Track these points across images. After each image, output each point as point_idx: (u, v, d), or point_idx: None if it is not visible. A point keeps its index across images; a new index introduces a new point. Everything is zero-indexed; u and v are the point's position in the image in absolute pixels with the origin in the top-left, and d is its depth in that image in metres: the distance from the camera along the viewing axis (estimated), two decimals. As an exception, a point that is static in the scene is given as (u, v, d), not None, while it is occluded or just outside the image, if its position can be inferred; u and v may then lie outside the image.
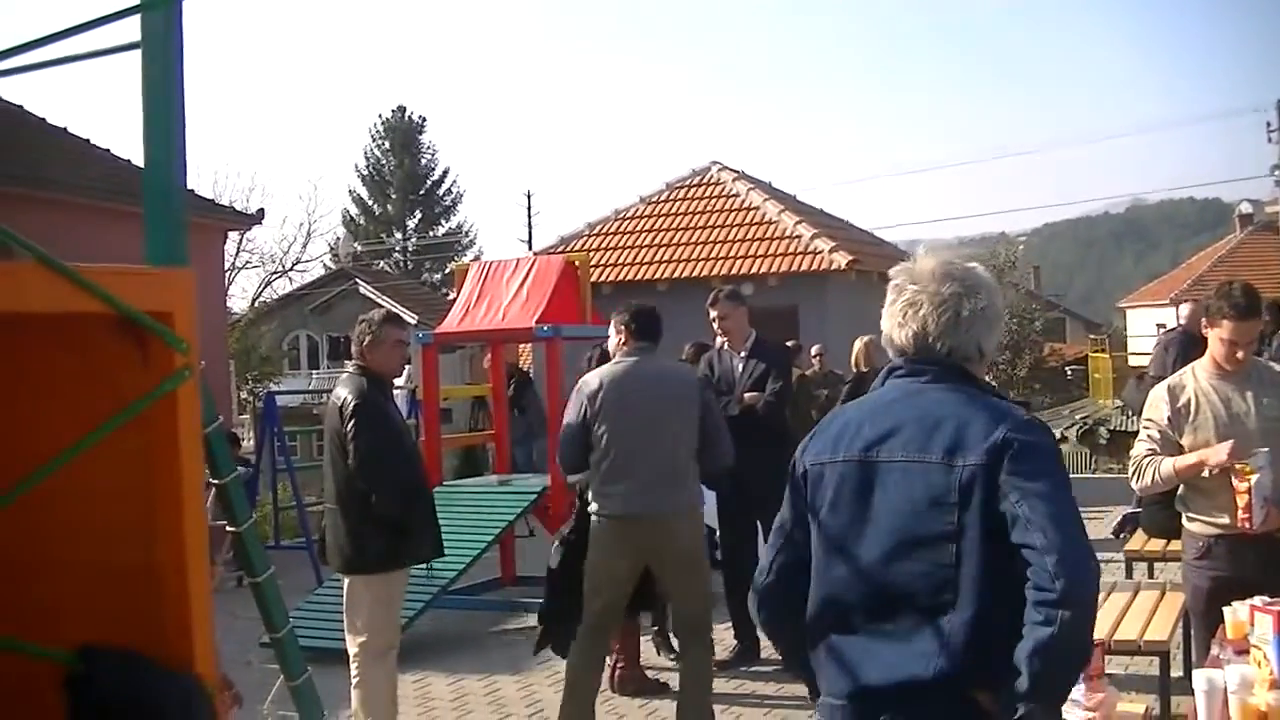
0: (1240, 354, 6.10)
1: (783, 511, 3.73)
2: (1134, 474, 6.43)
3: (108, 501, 2.82)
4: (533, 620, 11.51)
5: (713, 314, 9.61)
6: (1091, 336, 60.74)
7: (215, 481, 3.73)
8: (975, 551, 3.26)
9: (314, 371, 47.25)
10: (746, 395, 9.47)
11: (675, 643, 9.90)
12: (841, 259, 19.68)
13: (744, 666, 9.59)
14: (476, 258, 73.41)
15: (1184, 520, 6.37)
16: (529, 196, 70.43)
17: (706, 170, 23.52)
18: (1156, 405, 6.39)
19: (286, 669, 3.98)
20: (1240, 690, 4.28)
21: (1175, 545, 10.15)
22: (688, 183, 23.36)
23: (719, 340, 9.77)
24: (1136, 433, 6.62)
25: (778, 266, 20.16)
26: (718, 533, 9.90)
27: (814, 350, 16.91)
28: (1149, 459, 6.37)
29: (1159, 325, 56.62)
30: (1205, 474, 6.02)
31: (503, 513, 11.83)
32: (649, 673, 9.36)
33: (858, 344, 14.58)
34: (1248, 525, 5.84)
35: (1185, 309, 15.61)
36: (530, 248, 68.10)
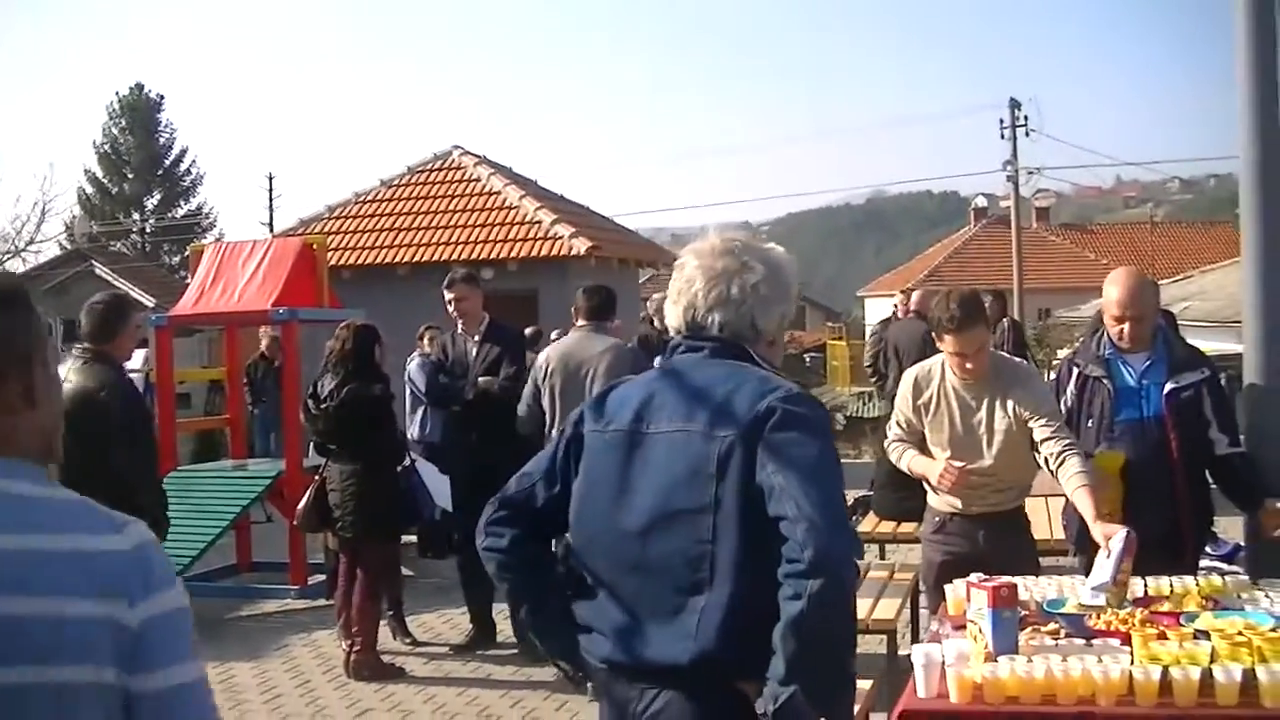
0: (970, 364, 6.08)
1: (536, 464, 3.65)
2: (889, 452, 6.63)
3: None
4: (269, 606, 11.47)
5: (448, 296, 9.61)
6: (829, 325, 62.28)
7: None
8: (733, 526, 3.16)
9: (47, 355, 45.71)
10: (480, 379, 9.48)
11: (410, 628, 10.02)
12: (581, 245, 19.80)
13: (481, 650, 9.62)
14: (217, 240, 72.08)
15: (927, 495, 6.47)
16: (270, 179, 69.47)
17: (448, 154, 23.37)
18: (904, 395, 6.47)
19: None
20: (957, 664, 4.31)
21: (906, 527, 10.52)
22: (429, 166, 23.18)
23: (456, 324, 9.78)
24: (873, 419, 6.82)
25: (518, 251, 20.18)
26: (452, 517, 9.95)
27: (554, 335, 16.96)
28: (895, 445, 6.55)
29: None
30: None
31: (237, 498, 11.68)
32: (384, 658, 9.30)
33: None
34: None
35: (915, 296, 16.15)
36: (271, 230, 67.16)
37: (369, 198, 22.55)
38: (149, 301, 39.56)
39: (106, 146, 67.87)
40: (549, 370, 8.66)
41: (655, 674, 3.27)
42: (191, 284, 12.77)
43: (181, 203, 69.57)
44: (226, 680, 9.19)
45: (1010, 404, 6.08)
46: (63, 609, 2.02)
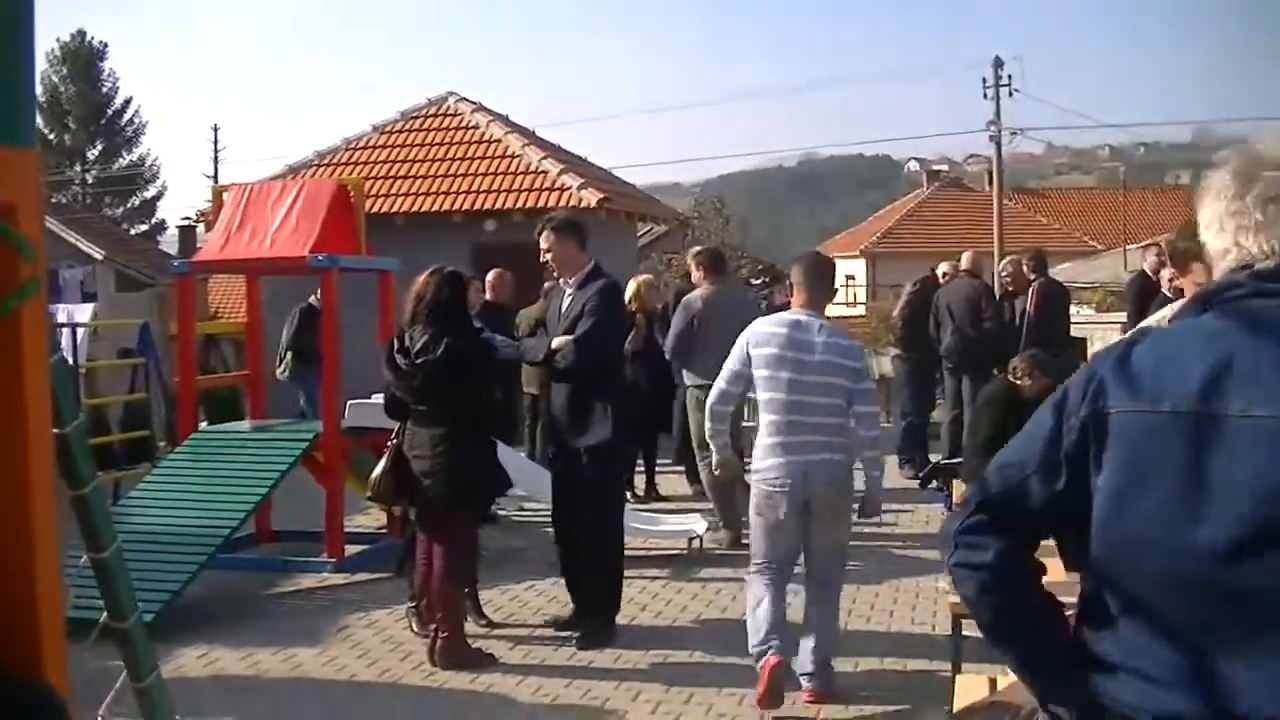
0: None
1: (1020, 452, 2.72)
2: None
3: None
4: (307, 582, 10.48)
5: (542, 246, 8.69)
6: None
7: (56, 431, 2.87)
8: None
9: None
10: (555, 340, 8.55)
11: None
12: (592, 196, 18.85)
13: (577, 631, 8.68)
14: (160, 194, 70.47)
15: None
16: (215, 130, 67.77)
17: (443, 100, 22.30)
18: None
19: (112, 603, 3.27)
20: None
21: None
22: (424, 112, 22.11)
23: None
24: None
25: (523, 202, 19.21)
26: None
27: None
28: None
29: (848, 276, 58.06)
30: None
31: (274, 462, 10.62)
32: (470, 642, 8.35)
33: (632, 285, 13.75)
34: None
35: (965, 256, 15.39)
36: (215, 183, 65.74)
37: (360, 144, 21.49)
38: (97, 254, 38.39)
39: (46, 96, 65.83)
40: (699, 321, 7.94)
41: None
42: (215, 228, 11.67)
43: (124, 153, 67.92)
44: (296, 668, 8.23)
45: None
46: None
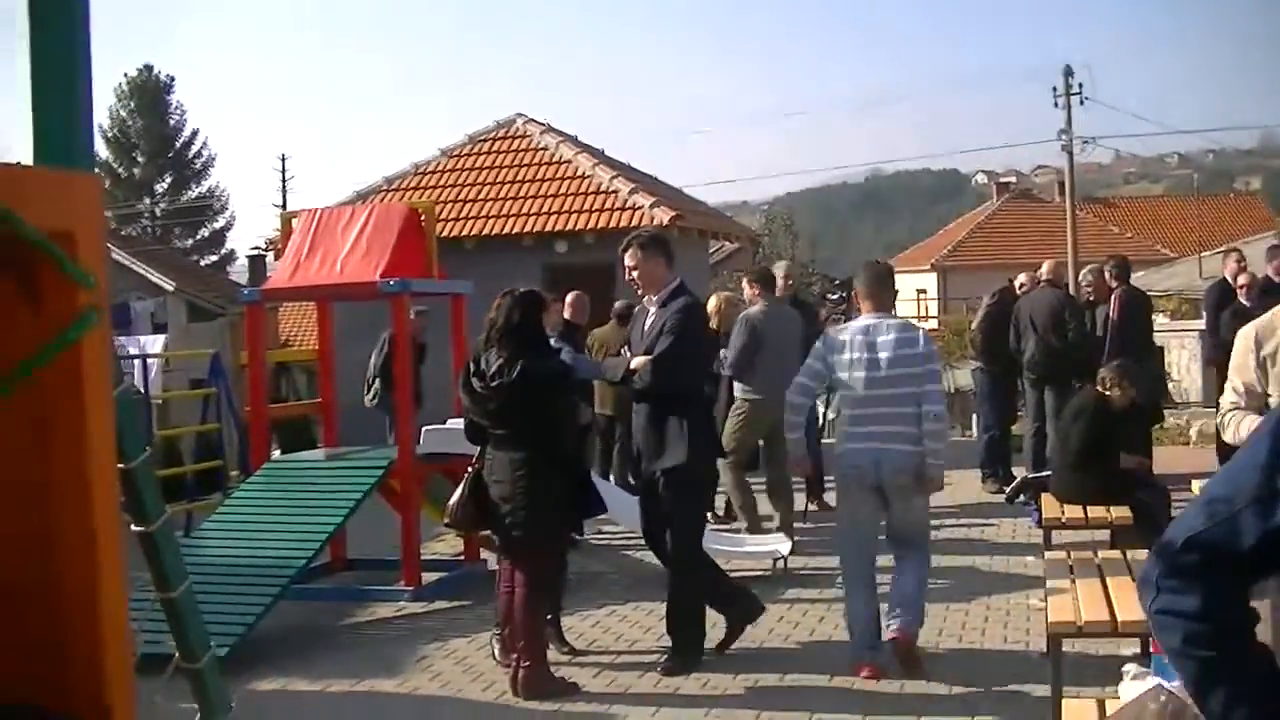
0: None
1: (1227, 485, 2.46)
2: (1222, 427, 5.68)
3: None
4: (384, 611, 10.33)
5: (626, 263, 8.51)
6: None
7: (122, 466, 2.71)
8: None
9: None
10: (634, 360, 8.36)
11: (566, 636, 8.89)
12: (664, 215, 18.65)
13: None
14: (229, 224, 70.99)
15: None
16: (283, 160, 68.34)
17: (511, 122, 22.16)
18: (1241, 353, 5.65)
19: (183, 643, 3.13)
20: None
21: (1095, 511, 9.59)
22: (491, 135, 21.97)
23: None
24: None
25: (594, 223, 19.03)
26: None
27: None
28: (1231, 415, 5.64)
29: (919, 290, 57.78)
30: None
31: (349, 489, 10.49)
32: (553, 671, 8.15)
33: (713, 301, 13.59)
34: None
35: (1046, 266, 15.14)
36: (284, 211, 66.19)
37: (429, 169, 21.40)
38: (168, 285, 38.61)
39: (115, 130, 66.53)
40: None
41: None
42: (285, 255, 11.56)
43: (193, 185, 68.57)
44: (375, 700, 8.06)
45: None
46: None
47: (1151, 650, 4.46)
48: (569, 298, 13.17)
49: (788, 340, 11.62)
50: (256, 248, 41.29)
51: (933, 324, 47.58)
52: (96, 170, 2.89)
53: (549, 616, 8.50)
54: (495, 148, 21.58)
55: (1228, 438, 5.96)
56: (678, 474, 8.19)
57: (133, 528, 2.96)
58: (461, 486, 8.29)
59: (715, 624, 8.61)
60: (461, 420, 10.83)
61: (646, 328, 8.44)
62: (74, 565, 2.48)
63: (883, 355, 7.89)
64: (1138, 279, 17.36)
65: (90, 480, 2.48)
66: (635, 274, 8.47)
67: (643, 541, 9.13)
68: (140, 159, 66.94)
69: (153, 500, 3.04)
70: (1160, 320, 27.50)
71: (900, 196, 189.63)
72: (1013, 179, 73.58)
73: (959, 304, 38.16)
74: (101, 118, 69.50)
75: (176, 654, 3.28)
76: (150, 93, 67.88)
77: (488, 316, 8.05)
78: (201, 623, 3.28)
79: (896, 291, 8.82)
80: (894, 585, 8.03)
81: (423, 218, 11.53)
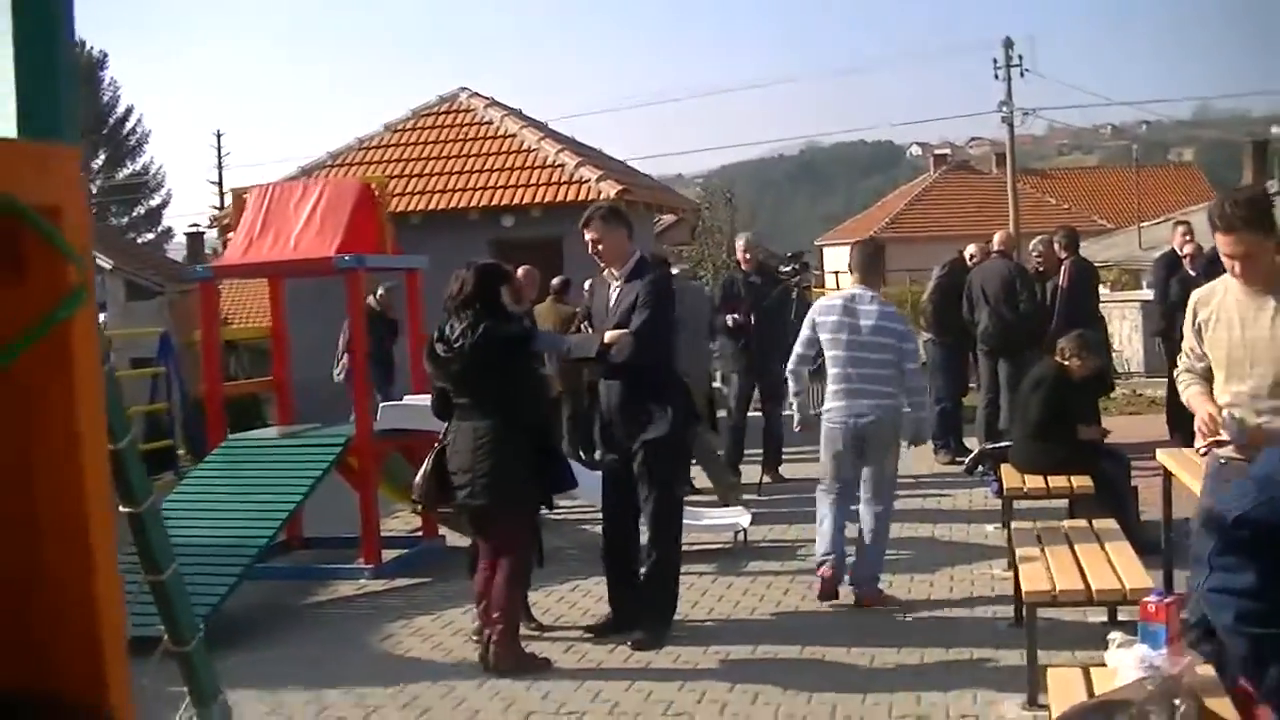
0: (1239, 268, 5.55)
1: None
2: (1179, 384, 6.18)
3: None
4: (345, 589, 10.25)
5: (587, 236, 8.42)
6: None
7: (111, 447, 2.69)
8: None
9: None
10: (608, 334, 8.28)
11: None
12: (611, 189, 18.55)
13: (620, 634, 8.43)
14: (165, 201, 70.29)
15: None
16: (219, 136, 67.70)
17: (455, 96, 21.98)
18: (1187, 318, 6.00)
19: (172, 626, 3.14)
20: None
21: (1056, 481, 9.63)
22: (436, 110, 21.78)
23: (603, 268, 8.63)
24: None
25: (541, 196, 18.91)
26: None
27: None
28: (1182, 377, 6.07)
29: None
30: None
31: (308, 467, 10.38)
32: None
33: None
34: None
35: (998, 236, 15.24)
36: (221, 189, 65.62)
37: (373, 143, 21.23)
38: (105, 263, 38.14)
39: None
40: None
41: None
42: (237, 231, 11.41)
43: (128, 162, 67.86)
44: (343, 676, 7.96)
45: None
46: None
47: (1140, 619, 4.46)
48: (519, 272, 13.11)
49: (699, 316, 11.94)
50: (195, 225, 40.94)
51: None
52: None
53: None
54: (439, 122, 21.40)
55: (1183, 399, 6.17)
56: (660, 445, 8.18)
57: (120, 509, 2.91)
58: (426, 462, 8.22)
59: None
60: (419, 397, 10.82)
61: (612, 302, 8.37)
62: (66, 550, 2.42)
63: (864, 323, 8.89)
64: (1078, 251, 17.46)
65: (82, 463, 2.42)
66: (600, 247, 8.39)
67: (599, 516, 9.08)
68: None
69: (140, 481, 2.99)
70: (1102, 291, 27.75)
71: (835, 169, 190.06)
72: (947, 151, 73.68)
73: (900, 275, 38.45)
74: (33, 93, 68.76)
75: (165, 637, 3.23)
76: (83, 70, 66.97)
77: (448, 288, 7.98)
78: (189, 605, 3.24)
79: (884, 271, 9.75)
80: (860, 551, 9.02)
81: (376, 192, 11.42)
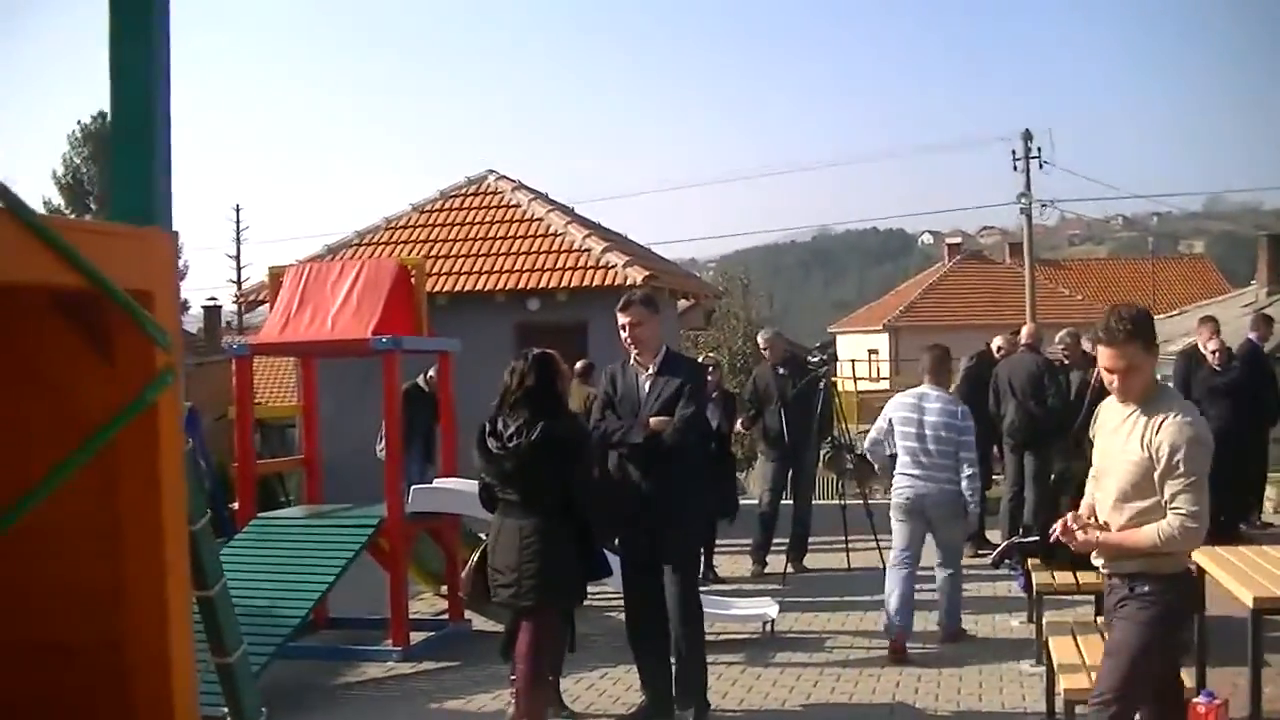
0: (1116, 383, 5.64)
1: None
2: None
3: (54, 560, 2.30)
4: (373, 671, 10.24)
5: (622, 320, 8.43)
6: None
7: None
8: None
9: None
10: (652, 420, 8.25)
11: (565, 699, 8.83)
12: (637, 274, 18.59)
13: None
14: (182, 274, 70.39)
15: None
16: (238, 210, 68.11)
17: (483, 179, 22.10)
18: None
19: (235, 707, 3.15)
20: None
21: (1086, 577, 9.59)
22: (463, 191, 21.91)
23: (630, 353, 8.63)
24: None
25: (567, 281, 18.95)
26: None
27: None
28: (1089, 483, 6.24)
29: (870, 350, 58.05)
30: None
31: (340, 547, 10.40)
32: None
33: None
34: None
35: (1026, 330, 15.28)
36: (238, 263, 65.91)
37: (400, 223, 21.30)
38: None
39: (68, 177, 65.41)
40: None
41: None
42: (274, 310, 11.47)
43: (147, 234, 67.92)
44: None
45: (1147, 439, 5.57)
46: None
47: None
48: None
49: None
50: (212, 298, 41.01)
51: (883, 384, 47.73)
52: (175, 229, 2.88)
53: (550, 678, 8.44)
54: (467, 204, 21.47)
55: None
56: (688, 533, 8.31)
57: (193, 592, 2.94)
58: (473, 558, 8.24)
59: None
60: (449, 481, 10.85)
61: (645, 390, 8.38)
62: (144, 624, 2.46)
63: (929, 419, 10.39)
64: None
65: (164, 539, 2.47)
66: (637, 331, 8.40)
67: (619, 601, 9.08)
68: (94, 206, 66.13)
69: (212, 563, 3.03)
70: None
71: (848, 256, 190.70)
72: (959, 239, 73.95)
73: (911, 365, 38.32)
74: (56, 164, 68.76)
75: (228, 717, 3.26)
76: (106, 140, 67.07)
77: (503, 379, 7.97)
78: (254, 688, 3.26)
79: (953, 372, 11.52)
80: (939, 600, 10.73)
81: (413, 274, 11.49)
